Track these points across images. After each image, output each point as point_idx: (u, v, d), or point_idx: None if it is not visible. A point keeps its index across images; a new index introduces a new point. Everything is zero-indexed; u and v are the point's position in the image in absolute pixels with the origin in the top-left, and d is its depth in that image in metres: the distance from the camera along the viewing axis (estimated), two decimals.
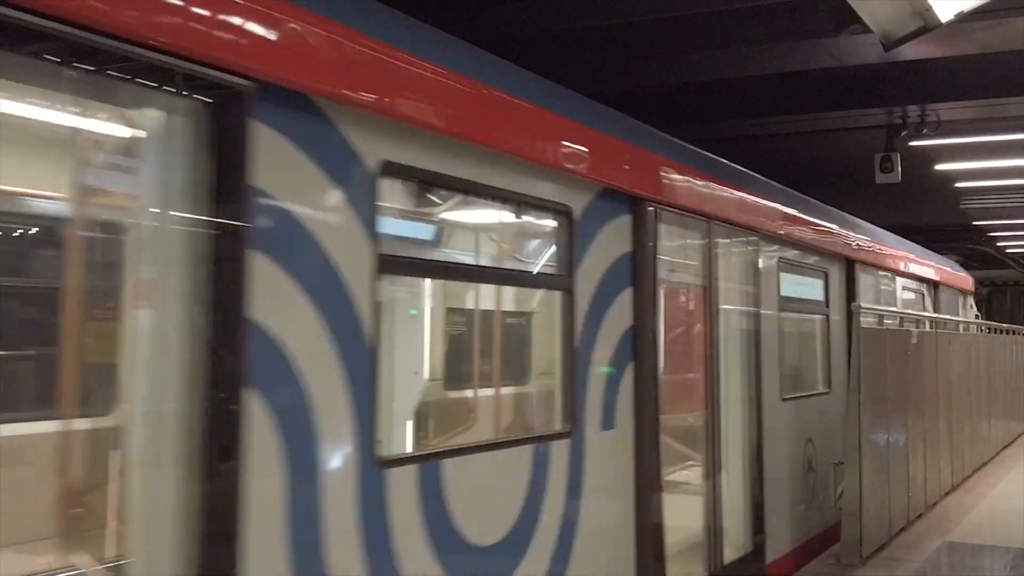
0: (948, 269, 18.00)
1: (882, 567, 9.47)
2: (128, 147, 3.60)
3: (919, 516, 11.62)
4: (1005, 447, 18.50)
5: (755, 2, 10.04)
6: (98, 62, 3.26)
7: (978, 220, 25.80)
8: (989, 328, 19.23)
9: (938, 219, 26.46)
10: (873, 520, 9.79)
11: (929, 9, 7.70)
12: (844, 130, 15.00)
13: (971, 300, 19.86)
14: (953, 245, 31.97)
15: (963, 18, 8.23)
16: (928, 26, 7.97)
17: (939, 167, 17.33)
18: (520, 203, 5.62)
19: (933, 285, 16.39)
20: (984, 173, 18.25)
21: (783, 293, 9.69)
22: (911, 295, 15.17)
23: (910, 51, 10.01)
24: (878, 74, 12.48)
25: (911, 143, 14.41)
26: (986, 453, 16.68)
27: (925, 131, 13.98)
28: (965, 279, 19.43)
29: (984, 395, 16.85)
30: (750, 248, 8.77)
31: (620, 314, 6.34)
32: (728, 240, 8.24)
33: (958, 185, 19.80)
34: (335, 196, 4.20)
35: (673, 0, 10.03)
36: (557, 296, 5.87)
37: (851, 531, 9.43)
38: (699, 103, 13.54)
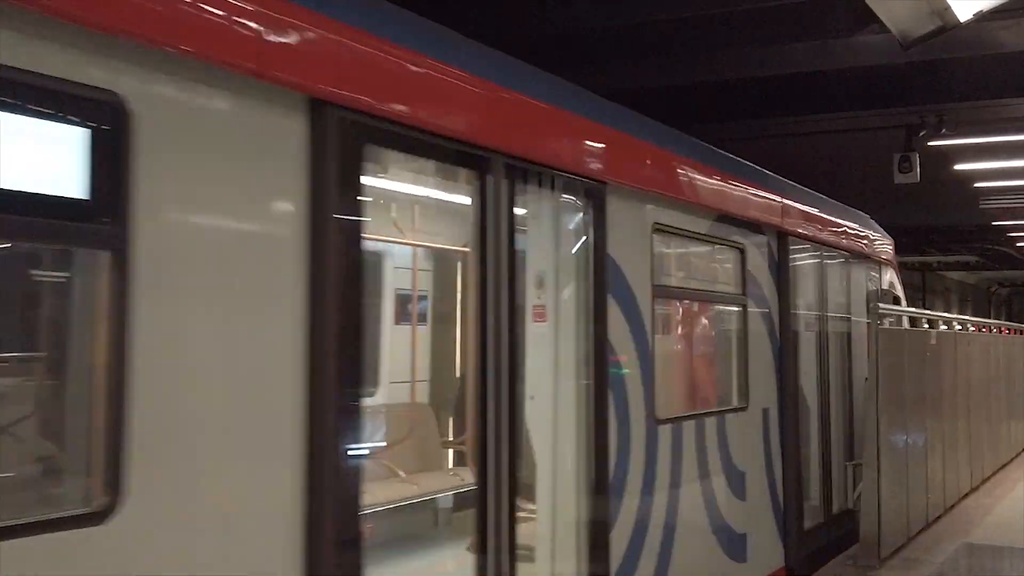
0: (822, 215, 10.04)
1: (900, 568, 9.44)
2: None
3: (937, 518, 11.58)
4: None
5: (773, 2, 10.03)
6: None
7: (997, 220, 25.65)
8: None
9: (957, 220, 26.32)
10: (891, 521, 9.76)
11: (948, 9, 7.68)
12: (862, 130, 14.96)
13: (892, 275, 12.54)
14: (972, 245, 31.87)
15: (982, 18, 8.21)
16: (947, 26, 7.95)
17: (958, 167, 17.26)
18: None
19: (778, 235, 8.88)
20: (1003, 173, 18.17)
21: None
22: (695, 248, 8.05)
23: (929, 51, 9.97)
24: (897, 74, 12.44)
25: (930, 143, 14.36)
26: (1005, 455, 16.59)
27: (944, 131, 13.93)
28: (874, 241, 11.90)
29: (1004, 396, 16.76)
30: None
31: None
32: None
33: (977, 185, 19.72)
34: None
35: (691, 0, 10.03)
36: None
37: (869, 532, 9.41)
38: (716, 103, 13.52)
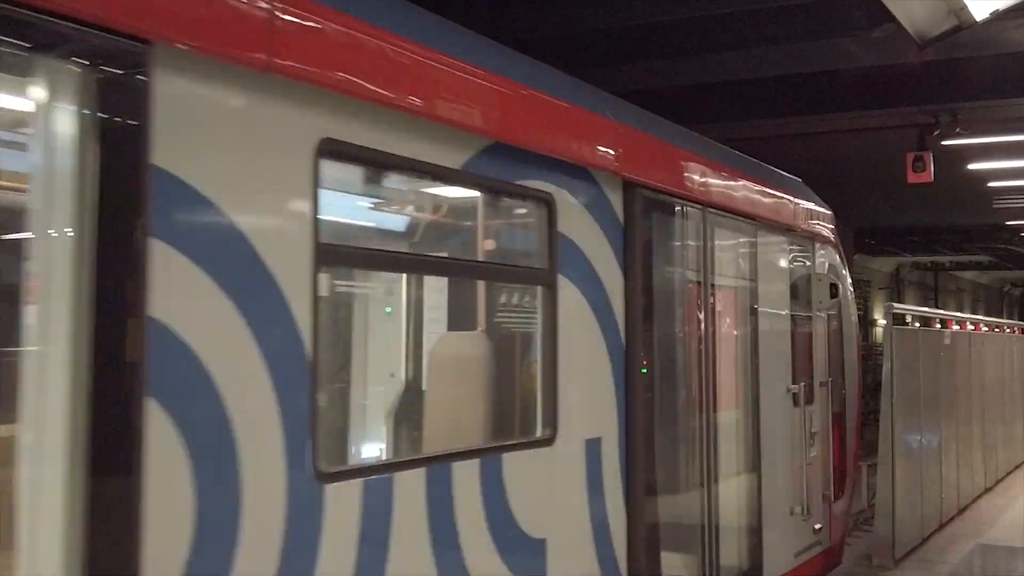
0: (705, 165, 6.89)
1: (915, 569, 9.43)
2: None
3: (951, 518, 11.55)
4: None
5: (787, 1, 10.02)
6: None
7: (1011, 220, 25.57)
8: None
9: (970, 219, 26.27)
10: (906, 521, 9.75)
11: (964, 8, 7.65)
12: (876, 129, 14.92)
13: (832, 256, 9.34)
14: (985, 245, 31.78)
15: (997, 17, 8.18)
16: (963, 25, 7.92)
17: (971, 166, 17.19)
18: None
19: (624, 187, 5.87)
20: (1017, 172, 18.08)
21: None
22: (443, 193, 5.94)
23: (943, 50, 9.95)
24: (910, 73, 12.40)
25: (943, 142, 14.30)
26: (1020, 455, 16.54)
27: (958, 130, 13.88)
28: (801, 210, 8.57)
29: (1018, 397, 16.72)
30: None
31: None
32: None
33: (991, 185, 19.65)
34: None
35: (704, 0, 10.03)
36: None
37: (884, 532, 9.39)
38: (730, 102, 13.50)
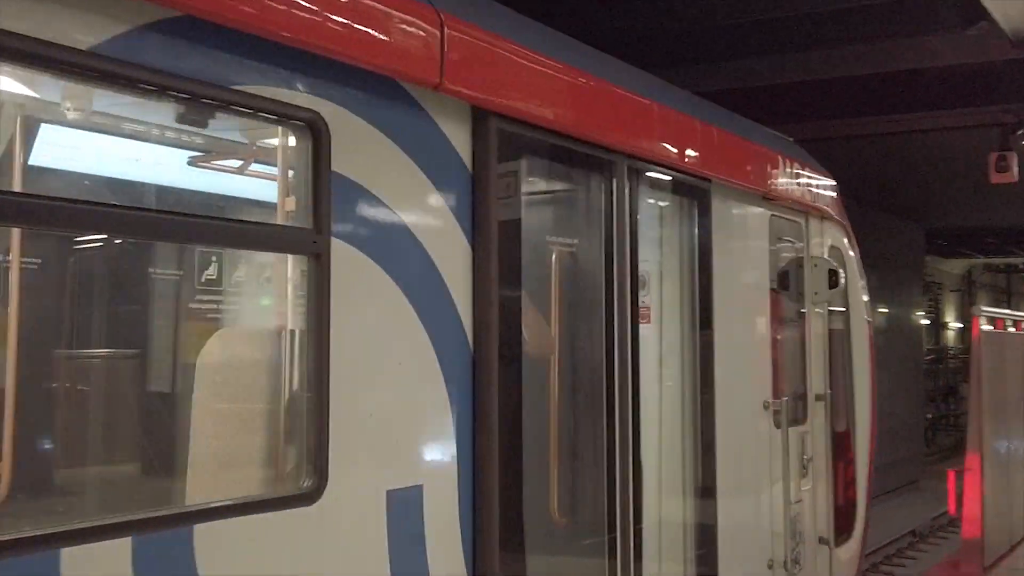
0: (622, 93, 4.87)
1: None
2: None
3: None
4: None
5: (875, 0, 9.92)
6: None
7: None
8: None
9: None
10: (994, 528, 9.58)
11: None
12: (956, 128, 14.70)
13: (837, 237, 7.46)
14: None
15: None
16: None
17: None
18: None
19: (473, 113, 3.91)
20: None
21: None
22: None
23: None
24: (994, 72, 12.21)
25: None
26: None
27: None
28: (787, 174, 6.51)
29: None
30: None
31: None
32: None
33: None
34: None
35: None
36: None
37: (972, 539, 9.25)
38: (813, 101, 13.39)
